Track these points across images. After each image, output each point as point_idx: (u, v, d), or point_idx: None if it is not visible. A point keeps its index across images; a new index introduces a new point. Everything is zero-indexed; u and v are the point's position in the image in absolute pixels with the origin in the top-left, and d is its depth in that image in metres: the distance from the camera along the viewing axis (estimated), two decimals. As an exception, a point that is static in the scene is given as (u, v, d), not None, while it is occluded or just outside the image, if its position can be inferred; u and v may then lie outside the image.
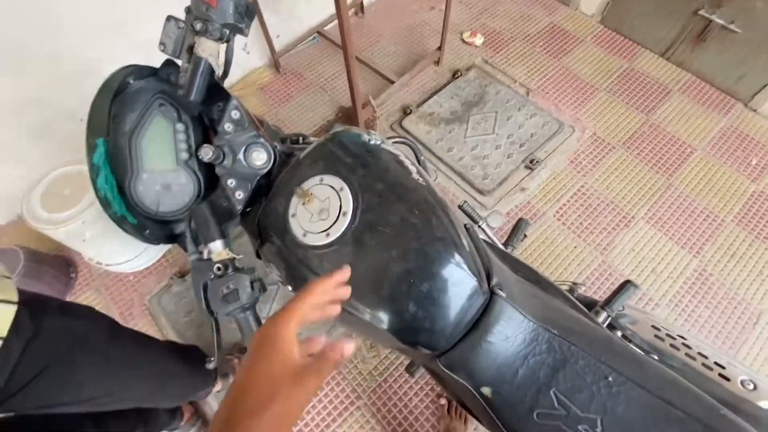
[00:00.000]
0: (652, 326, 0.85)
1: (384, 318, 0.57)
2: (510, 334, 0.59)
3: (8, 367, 0.54)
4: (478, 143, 1.69)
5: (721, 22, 1.65)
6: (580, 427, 0.53)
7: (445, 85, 1.87)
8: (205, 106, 0.62)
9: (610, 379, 0.55)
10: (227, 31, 0.56)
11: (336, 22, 1.89)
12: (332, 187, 0.60)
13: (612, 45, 1.99)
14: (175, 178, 0.64)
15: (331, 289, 0.43)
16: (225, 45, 0.57)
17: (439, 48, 1.85)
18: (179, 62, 0.59)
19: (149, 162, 0.63)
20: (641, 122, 1.76)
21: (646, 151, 1.69)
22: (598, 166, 1.66)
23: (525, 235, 1.40)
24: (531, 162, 1.63)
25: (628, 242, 1.49)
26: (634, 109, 1.79)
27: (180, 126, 0.63)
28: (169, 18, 0.55)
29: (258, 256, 0.70)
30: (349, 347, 0.37)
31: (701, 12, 1.69)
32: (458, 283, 0.58)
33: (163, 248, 1.53)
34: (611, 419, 0.53)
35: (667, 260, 1.46)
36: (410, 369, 1.23)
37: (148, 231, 0.64)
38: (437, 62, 1.92)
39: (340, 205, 0.58)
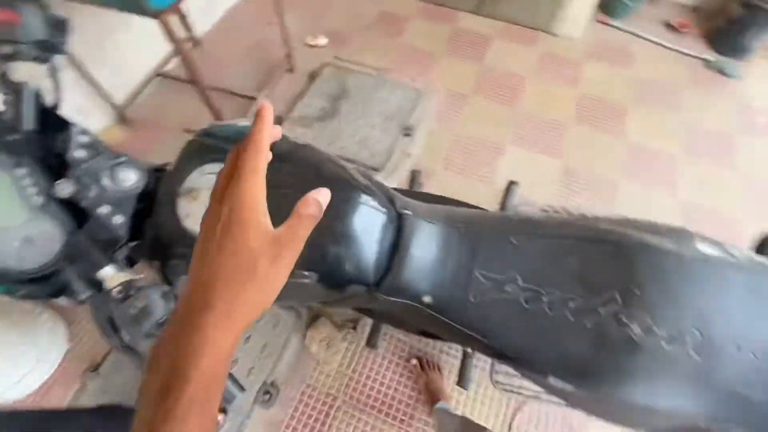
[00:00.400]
0: (542, 210, 1.00)
1: (313, 270, 0.59)
2: (425, 242, 0.65)
3: None
4: (355, 129, 1.78)
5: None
6: (506, 288, 0.61)
7: (306, 89, 1.92)
8: (45, 140, 0.57)
9: (513, 240, 0.64)
10: (42, 50, 0.52)
11: (174, 61, 1.83)
12: (215, 173, 0.60)
13: (435, 15, 2.26)
14: (35, 227, 0.58)
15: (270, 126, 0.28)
16: (45, 66, 0.53)
17: (287, 55, 1.91)
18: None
19: (-5, 219, 0.55)
20: (478, 70, 2.03)
21: (491, 91, 1.95)
22: (460, 115, 1.87)
23: (421, 184, 1.51)
24: (407, 130, 1.77)
25: (506, 166, 1.71)
26: (469, 61, 2.06)
27: (20, 171, 0.57)
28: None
29: (166, 280, 0.66)
30: (325, 193, 0.28)
31: (487, -30, 2.02)
32: (368, 216, 0.62)
33: (60, 350, 1.31)
34: (525, 270, 0.62)
35: (540, 169, 1.71)
36: (372, 342, 1.25)
37: (24, 292, 0.57)
38: (290, 70, 1.98)
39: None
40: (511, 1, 2.11)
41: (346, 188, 0.62)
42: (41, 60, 0.52)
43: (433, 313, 0.64)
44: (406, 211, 0.66)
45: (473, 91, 1.95)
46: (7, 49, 0.48)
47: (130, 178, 0.62)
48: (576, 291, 0.58)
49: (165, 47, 1.78)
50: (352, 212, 0.61)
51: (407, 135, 1.76)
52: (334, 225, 0.59)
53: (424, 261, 0.64)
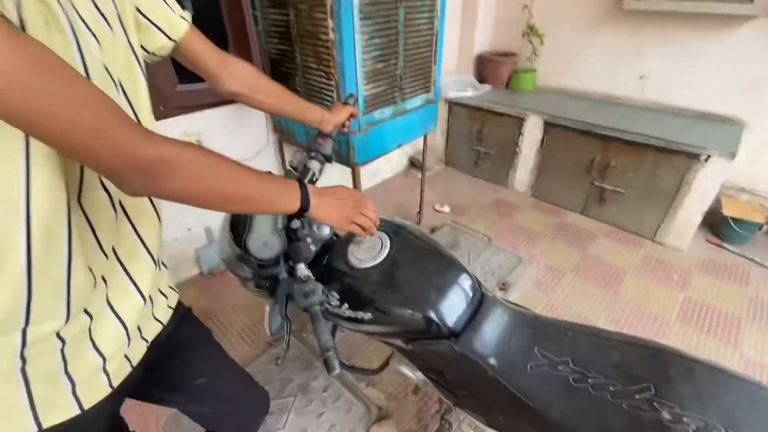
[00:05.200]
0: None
1: (417, 310, 0.86)
2: (499, 317, 0.87)
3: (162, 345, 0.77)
4: (459, 274, 2.10)
5: (610, 188, 2.41)
6: (559, 367, 0.77)
7: (426, 238, 2.41)
8: None
9: (569, 333, 0.82)
10: (324, 159, 1.05)
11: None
12: (377, 237, 0.98)
13: (543, 208, 2.71)
14: (272, 239, 1.01)
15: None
16: (320, 165, 1.05)
17: (419, 213, 2.50)
18: (293, 172, 1.05)
19: (258, 229, 1.01)
20: (581, 256, 2.27)
21: (591, 275, 2.13)
22: (557, 287, 2.05)
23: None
24: (503, 284, 2.01)
25: (598, 342, 1.75)
26: (572, 248, 2.34)
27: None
28: (295, 152, 1.05)
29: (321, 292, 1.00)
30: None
31: (595, 182, 2.47)
32: (464, 285, 0.89)
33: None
34: (576, 356, 0.77)
35: (635, 355, 1.69)
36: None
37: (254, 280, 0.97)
38: (418, 223, 2.53)
39: (382, 242, 0.95)
40: (617, 207, 2.45)
41: (454, 265, 0.93)
42: (324, 161, 1.04)
43: (495, 375, 0.81)
44: (489, 293, 0.91)
45: (573, 270, 2.16)
46: (313, 154, 1.02)
47: (325, 232, 1.05)
48: (617, 378, 0.71)
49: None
50: (454, 280, 0.89)
51: (502, 289, 2.00)
52: (442, 284, 0.88)
53: (495, 330, 0.85)
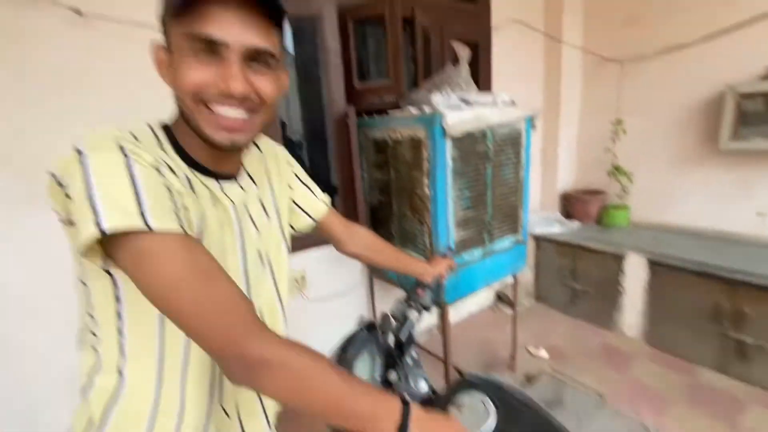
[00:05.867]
0: None
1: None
2: None
3: None
4: (567, 441, 1.77)
5: (751, 341, 2.00)
6: None
7: (523, 387, 2.15)
8: (398, 345, 1.07)
9: None
10: (422, 309, 1.09)
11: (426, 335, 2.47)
12: (476, 401, 0.92)
13: (665, 362, 2.30)
14: (368, 392, 1.01)
15: None
16: (418, 315, 1.09)
17: (512, 356, 2.29)
18: (392, 321, 1.09)
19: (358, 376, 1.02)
20: None
21: (753, 462, 1.63)
22: (707, 475, 1.59)
23: None
24: (628, 463, 1.63)
25: None
26: (717, 419, 1.86)
27: (378, 359, 1.06)
28: (396, 302, 1.11)
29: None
30: None
31: (729, 334, 2.08)
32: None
33: None
34: None
35: None
36: None
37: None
38: (511, 368, 2.30)
39: (485, 407, 0.88)
40: (765, 366, 1.98)
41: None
42: (420, 312, 1.08)
43: None
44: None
45: (723, 452, 1.69)
46: (413, 304, 1.07)
47: (424, 387, 1.01)
48: None
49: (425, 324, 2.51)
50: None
51: (629, 470, 1.61)
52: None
53: None
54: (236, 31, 0.49)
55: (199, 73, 0.50)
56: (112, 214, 0.42)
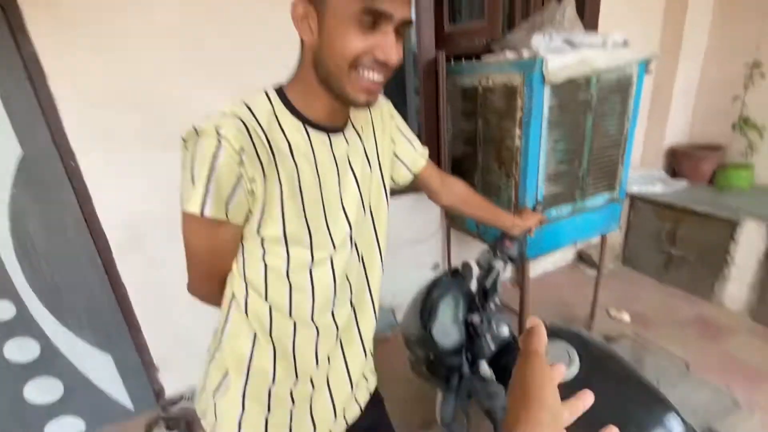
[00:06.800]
0: None
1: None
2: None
3: None
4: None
5: None
6: None
7: (598, 347, 2.12)
8: (482, 292, 1.12)
9: None
10: (508, 260, 1.12)
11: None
12: (563, 348, 0.95)
13: (773, 339, 2.08)
14: (452, 329, 1.09)
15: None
16: (504, 265, 1.12)
17: (590, 316, 2.24)
18: (474, 267, 1.15)
19: (442, 317, 1.10)
20: None
21: None
22: (806, 459, 1.49)
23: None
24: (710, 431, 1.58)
25: None
26: (830, 405, 1.69)
27: (461, 303, 1.13)
28: (483, 251, 1.15)
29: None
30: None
31: None
32: (675, 429, 0.77)
33: None
34: None
35: None
36: None
37: (432, 357, 1.05)
38: (589, 327, 2.26)
39: (569, 356, 0.92)
40: None
41: (661, 402, 0.82)
42: (505, 262, 1.11)
43: None
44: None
45: (831, 440, 1.55)
46: (500, 254, 1.10)
47: (505, 332, 1.07)
48: None
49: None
50: (660, 421, 0.79)
51: (712, 439, 1.56)
52: (645, 421, 0.79)
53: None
54: (399, 6, 0.54)
55: (362, 42, 0.55)
56: (188, 202, 0.57)
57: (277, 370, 0.72)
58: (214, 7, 1.54)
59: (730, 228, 2.24)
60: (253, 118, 0.59)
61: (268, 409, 0.73)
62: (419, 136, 0.88)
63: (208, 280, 0.71)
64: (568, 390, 0.90)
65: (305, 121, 0.65)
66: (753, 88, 2.43)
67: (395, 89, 2.29)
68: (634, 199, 2.73)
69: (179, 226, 0.62)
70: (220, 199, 0.57)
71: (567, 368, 0.90)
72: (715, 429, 1.59)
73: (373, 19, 0.54)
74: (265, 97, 0.64)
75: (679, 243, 2.51)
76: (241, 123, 0.57)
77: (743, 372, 1.89)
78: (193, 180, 0.56)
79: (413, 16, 1.92)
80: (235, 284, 0.69)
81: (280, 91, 0.65)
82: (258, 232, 0.62)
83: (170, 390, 1.97)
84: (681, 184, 2.66)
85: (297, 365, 0.73)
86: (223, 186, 0.56)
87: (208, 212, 0.57)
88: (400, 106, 2.37)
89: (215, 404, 0.74)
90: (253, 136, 0.58)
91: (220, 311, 0.74)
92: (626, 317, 2.32)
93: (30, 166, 1.48)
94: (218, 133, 0.54)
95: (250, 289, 0.68)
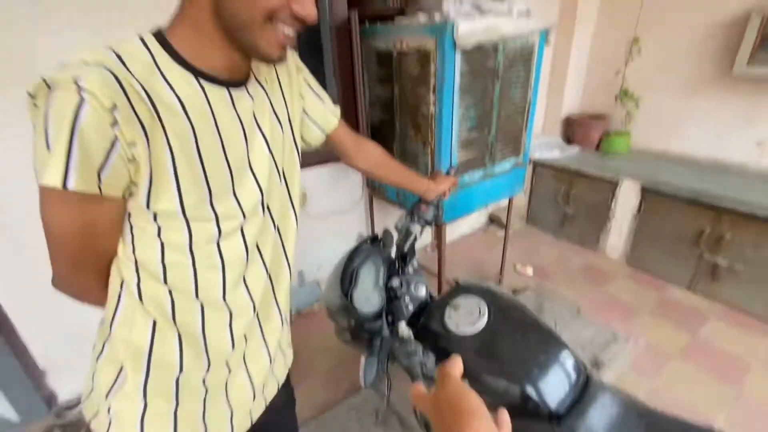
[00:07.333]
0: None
1: (515, 383, 0.85)
2: (608, 406, 0.83)
3: None
4: (544, 344, 1.99)
5: (724, 264, 2.15)
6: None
7: (507, 300, 2.34)
8: (401, 256, 1.14)
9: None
10: (425, 223, 1.14)
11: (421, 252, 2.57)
12: (474, 302, 1.01)
13: (641, 280, 2.49)
14: (373, 295, 1.09)
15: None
16: (420, 228, 1.14)
17: (500, 273, 2.45)
18: (394, 234, 1.15)
19: (362, 284, 1.10)
20: (689, 339, 2.01)
21: (703, 363, 1.87)
22: (661, 373, 1.83)
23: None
24: (595, 363, 1.85)
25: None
26: (679, 329, 2.08)
27: (381, 268, 1.13)
28: (401, 216, 1.15)
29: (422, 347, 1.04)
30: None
31: (705, 256, 2.22)
32: (567, 364, 0.88)
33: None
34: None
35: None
36: None
37: (350, 320, 1.04)
38: (499, 283, 2.47)
39: (480, 309, 0.98)
40: (735, 286, 2.16)
41: (557, 341, 0.91)
42: (422, 227, 1.13)
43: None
44: (594, 376, 0.88)
45: (680, 355, 1.92)
46: (416, 218, 1.11)
47: (422, 292, 1.10)
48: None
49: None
50: (556, 357, 0.88)
51: (595, 367, 1.83)
52: (544, 360, 0.87)
53: (602, 419, 0.81)
54: None
55: None
56: (44, 172, 0.46)
57: (184, 359, 0.64)
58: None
59: (611, 188, 2.57)
60: (125, 69, 0.49)
61: (177, 402, 0.65)
62: (334, 102, 0.83)
63: (81, 272, 0.58)
64: (478, 339, 0.97)
65: (197, 73, 0.55)
66: (632, 63, 2.76)
67: (309, 52, 2.15)
68: (536, 165, 2.99)
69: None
70: (89, 168, 0.46)
71: (477, 320, 0.96)
72: (600, 358, 1.87)
73: None
74: (141, 43, 0.53)
75: (572, 202, 2.83)
76: (110, 73, 0.46)
77: (620, 309, 2.24)
78: (48, 145, 0.45)
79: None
80: (123, 270, 0.59)
81: (160, 37, 0.54)
82: (148, 206, 0.53)
83: (65, 394, 1.74)
84: (574, 149, 2.97)
85: (209, 350, 0.66)
86: (92, 152, 0.46)
87: (74, 184, 0.46)
88: (318, 69, 2.25)
89: (109, 405, 0.64)
90: (127, 90, 0.47)
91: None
92: (530, 271, 2.59)
93: None
94: (78, 86, 0.44)
95: (143, 273, 0.59)
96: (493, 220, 3.27)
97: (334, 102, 0.88)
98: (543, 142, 3.02)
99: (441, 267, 1.99)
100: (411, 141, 1.82)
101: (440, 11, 1.50)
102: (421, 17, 1.57)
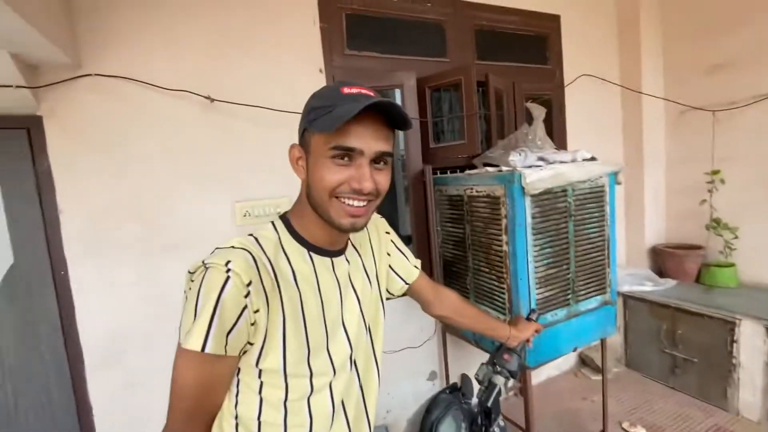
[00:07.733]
0: None
1: None
2: None
3: None
4: None
5: None
6: None
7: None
8: (484, 412, 1.05)
9: None
10: (509, 375, 1.07)
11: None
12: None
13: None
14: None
15: None
16: (504, 381, 1.07)
17: (603, 431, 2.05)
18: (473, 381, 1.08)
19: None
20: None
21: None
22: None
23: None
24: None
25: None
26: None
27: (463, 424, 1.04)
28: (482, 366, 1.11)
29: None
30: None
31: None
32: None
33: None
34: None
35: None
36: None
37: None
38: (603, 445, 2.05)
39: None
40: None
41: None
42: (506, 378, 1.06)
43: None
44: None
45: None
46: (498, 369, 1.05)
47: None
48: None
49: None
50: None
51: None
52: None
53: None
54: (369, 141, 0.62)
55: (337, 175, 0.62)
56: (188, 338, 0.55)
57: None
58: (228, 129, 1.72)
59: (728, 328, 2.20)
60: (260, 249, 0.63)
61: None
62: (410, 240, 0.92)
63: (193, 424, 0.63)
64: None
65: (309, 247, 0.68)
66: (717, 193, 2.64)
67: (389, 197, 2.45)
68: (627, 299, 2.73)
69: (163, 346, 0.60)
70: (222, 332, 0.56)
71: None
72: None
73: (345, 154, 0.61)
74: (272, 227, 0.69)
75: (681, 344, 2.44)
76: (250, 255, 0.60)
77: None
78: (196, 313, 0.56)
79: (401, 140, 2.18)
80: (225, 425, 0.65)
81: (285, 219, 0.70)
82: (257, 364, 0.61)
83: None
84: (670, 282, 2.70)
85: None
86: (227, 318, 0.56)
87: (209, 349, 0.55)
88: (392, 212, 2.50)
89: None
90: (260, 267, 0.60)
91: None
92: (641, 431, 2.13)
93: (18, 274, 1.47)
94: (227, 267, 0.56)
95: (240, 429, 0.64)
96: (584, 361, 2.89)
97: (412, 243, 0.98)
98: (631, 274, 2.80)
99: (529, 420, 1.74)
100: (485, 276, 1.82)
101: (507, 164, 1.65)
102: (489, 169, 1.75)
